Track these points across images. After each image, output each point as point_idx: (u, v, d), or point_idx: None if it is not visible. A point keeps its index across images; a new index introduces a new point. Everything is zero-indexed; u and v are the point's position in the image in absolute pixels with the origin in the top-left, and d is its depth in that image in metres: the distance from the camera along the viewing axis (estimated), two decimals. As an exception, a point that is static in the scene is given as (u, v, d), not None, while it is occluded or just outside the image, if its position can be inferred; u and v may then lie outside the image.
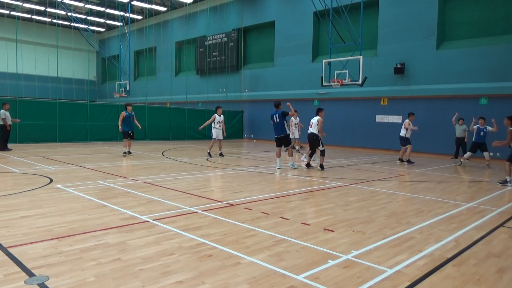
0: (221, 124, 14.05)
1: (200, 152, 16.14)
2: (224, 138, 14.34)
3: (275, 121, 10.91)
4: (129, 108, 13.51)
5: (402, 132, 13.56)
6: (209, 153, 14.09)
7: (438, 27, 16.81)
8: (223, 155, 14.12)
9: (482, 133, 12.90)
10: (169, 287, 3.13)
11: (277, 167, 10.97)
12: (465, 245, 4.47)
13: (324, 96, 20.78)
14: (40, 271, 3.33)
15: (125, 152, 13.50)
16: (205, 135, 24.71)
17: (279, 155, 11.23)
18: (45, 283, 3.11)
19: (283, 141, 11.07)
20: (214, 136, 14.03)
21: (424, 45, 17.07)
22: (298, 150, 16.81)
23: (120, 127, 13.29)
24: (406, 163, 13.45)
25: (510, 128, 8.97)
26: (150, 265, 3.57)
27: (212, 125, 13.98)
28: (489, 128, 12.82)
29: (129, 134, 13.38)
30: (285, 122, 10.94)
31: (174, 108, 23.94)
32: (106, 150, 15.71)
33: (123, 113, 13.32)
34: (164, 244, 4.16)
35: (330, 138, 20.62)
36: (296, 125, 16.19)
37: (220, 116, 13.98)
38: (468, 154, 13.32)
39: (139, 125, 14.02)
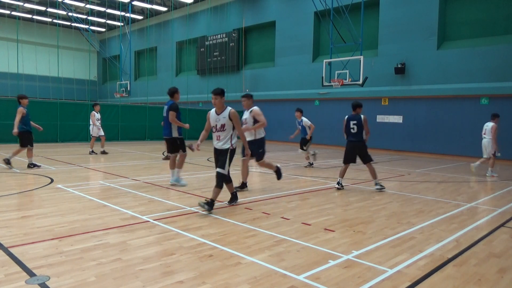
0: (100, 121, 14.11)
1: (201, 152, 16.14)
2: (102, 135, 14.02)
3: (164, 115, 7.98)
4: (25, 101, 9.83)
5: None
6: (92, 151, 13.84)
7: (439, 27, 16.79)
8: (106, 153, 13.99)
9: (300, 127, 11.63)
10: (169, 287, 3.13)
11: (170, 182, 7.94)
12: (466, 245, 4.47)
13: (325, 96, 20.78)
14: (41, 271, 3.33)
15: (32, 164, 9.79)
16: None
17: (172, 166, 7.91)
18: (46, 283, 3.11)
19: (169, 145, 7.95)
20: (101, 133, 13.87)
21: (424, 45, 17.06)
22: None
23: (16, 129, 9.50)
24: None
25: (364, 116, 7.87)
26: (150, 265, 3.57)
27: (92, 123, 13.81)
28: (305, 120, 11.42)
29: (32, 137, 9.95)
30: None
31: (175, 108, 23.92)
32: (107, 150, 15.71)
33: (23, 110, 9.61)
34: (164, 244, 4.16)
35: (330, 138, 20.63)
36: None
37: (98, 113, 14.01)
38: (300, 151, 12.00)
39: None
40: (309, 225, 5.13)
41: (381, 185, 7.93)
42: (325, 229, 4.95)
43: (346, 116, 8.13)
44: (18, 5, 30.16)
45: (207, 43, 27.71)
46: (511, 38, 15.14)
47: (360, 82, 16.15)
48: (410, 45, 17.48)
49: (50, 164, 10.72)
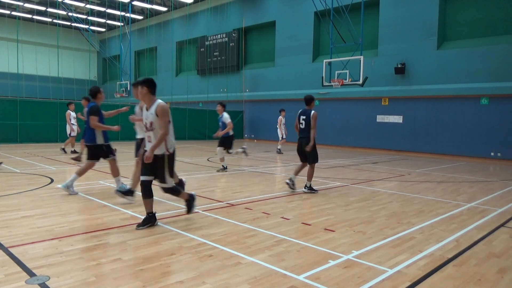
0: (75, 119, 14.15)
1: (201, 152, 16.15)
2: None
3: (85, 119, 7.02)
4: None
5: None
6: (75, 152, 13.79)
7: (439, 27, 16.79)
8: (66, 152, 13.92)
9: (220, 123, 10.16)
10: (169, 287, 3.13)
11: (62, 186, 6.81)
12: (466, 245, 4.47)
13: (325, 96, 20.77)
14: (41, 271, 3.33)
15: None
16: (206, 135, 24.73)
17: (114, 174, 6.97)
18: (46, 283, 3.11)
19: (90, 151, 6.84)
20: (73, 133, 13.95)
21: (425, 45, 17.06)
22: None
23: None
24: None
25: (314, 112, 7.35)
26: (150, 265, 3.57)
27: (73, 122, 13.91)
28: (225, 116, 10.03)
29: None
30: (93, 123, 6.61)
31: (175, 108, 23.92)
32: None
33: None
34: (164, 244, 4.16)
35: (331, 138, 20.64)
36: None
37: (73, 112, 14.03)
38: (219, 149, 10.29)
39: None
40: (309, 225, 5.13)
41: (313, 189, 7.48)
42: (325, 229, 4.95)
43: (299, 110, 7.59)
44: (18, 5, 30.15)
45: (207, 43, 27.71)
46: (511, 38, 15.14)
47: (360, 82, 16.14)
48: (410, 45, 17.47)
49: (50, 164, 10.72)
